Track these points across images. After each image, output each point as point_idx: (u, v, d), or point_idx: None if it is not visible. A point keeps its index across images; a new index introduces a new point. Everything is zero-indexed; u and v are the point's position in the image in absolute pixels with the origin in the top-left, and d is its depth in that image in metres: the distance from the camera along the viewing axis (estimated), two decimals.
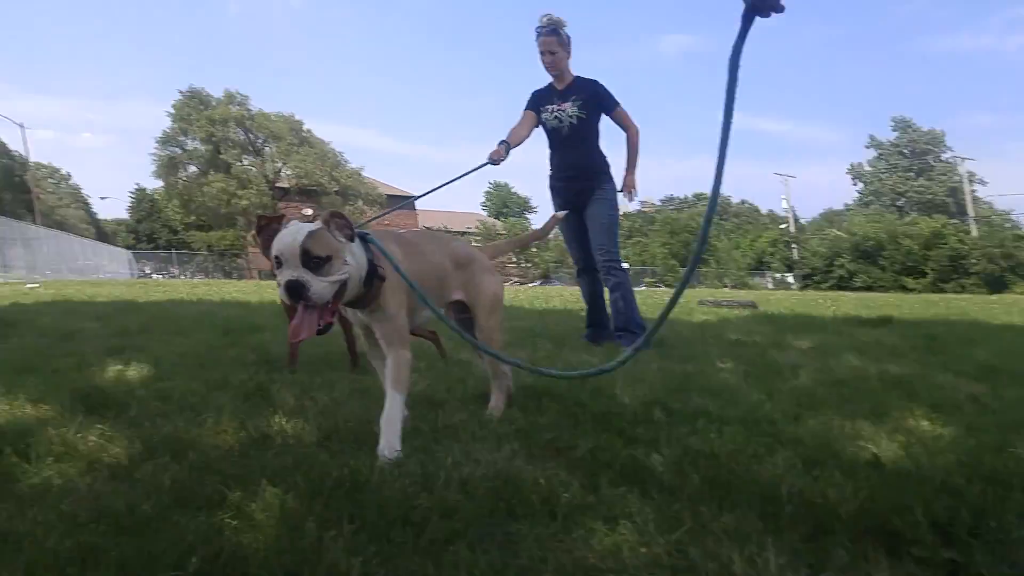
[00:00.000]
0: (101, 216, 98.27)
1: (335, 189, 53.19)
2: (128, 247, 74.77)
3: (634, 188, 5.87)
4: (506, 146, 5.41)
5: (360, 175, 56.10)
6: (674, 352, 5.10)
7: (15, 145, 59.41)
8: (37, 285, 18.70)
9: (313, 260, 2.32)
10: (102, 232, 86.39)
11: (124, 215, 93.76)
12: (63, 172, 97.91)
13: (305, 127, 55.76)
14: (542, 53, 5.78)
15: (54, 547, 1.58)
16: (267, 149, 55.45)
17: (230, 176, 52.46)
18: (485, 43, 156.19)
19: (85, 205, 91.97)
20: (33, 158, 61.77)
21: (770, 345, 5.74)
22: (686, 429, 2.75)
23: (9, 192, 58.80)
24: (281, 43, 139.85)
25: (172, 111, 54.25)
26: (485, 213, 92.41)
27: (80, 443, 2.41)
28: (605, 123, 5.93)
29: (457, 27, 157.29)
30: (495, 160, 5.25)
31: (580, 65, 6.12)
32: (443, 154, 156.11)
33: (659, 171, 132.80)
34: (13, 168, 60.70)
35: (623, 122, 5.90)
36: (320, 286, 2.32)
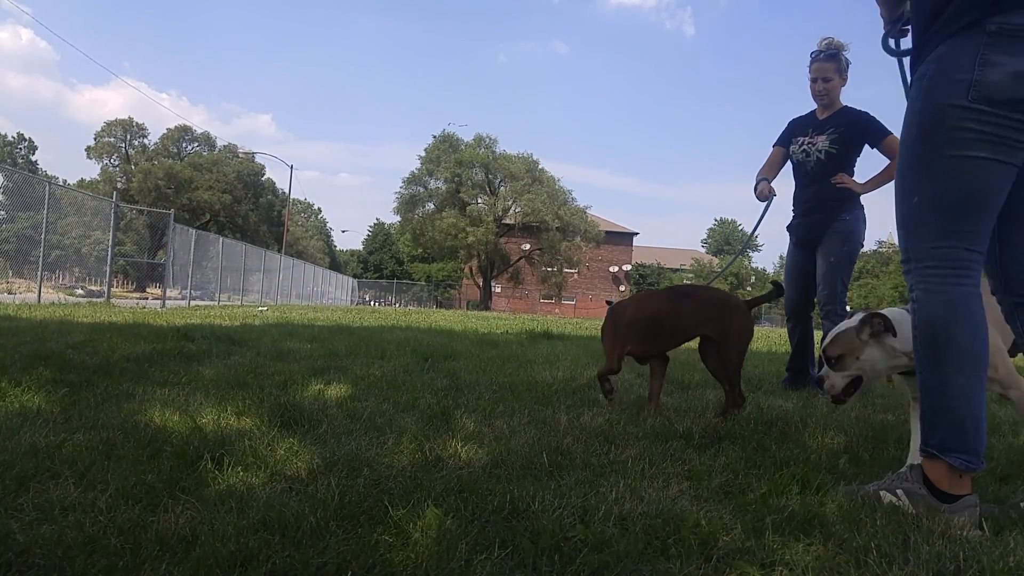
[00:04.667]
0: (339, 247, 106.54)
1: (556, 226, 54.01)
2: (355, 276, 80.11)
3: (851, 185, 5.23)
4: (767, 182, 5.26)
5: (584, 213, 56.59)
6: (879, 400, 4.77)
7: (282, 184, 68.62)
8: (265, 308, 20.30)
9: (830, 359, 2.76)
10: (335, 262, 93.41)
11: (358, 246, 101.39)
12: (315, 208, 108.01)
13: (540, 166, 57.05)
14: (814, 80, 5.31)
15: (219, 550, 1.69)
16: (502, 188, 57.11)
17: (463, 213, 54.58)
18: (730, 91, 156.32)
19: (326, 237, 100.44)
20: (295, 195, 69.24)
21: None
22: (871, 480, 2.57)
23: (267, 224, 66.89)
24: (539, 86, 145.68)
25: (423, 154, 57.64)
26: (703, 250, 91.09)
27: (268, 455, 2.57)
28: (865, 161, 5.39)
29: (705, 78, 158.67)
30: (764, 197, 5.17)
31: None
32: (676, 192, 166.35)
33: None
34: (275, 204, 69.27)
35: (896, 150, 5.17)
36: (833, 380, 2.75)
